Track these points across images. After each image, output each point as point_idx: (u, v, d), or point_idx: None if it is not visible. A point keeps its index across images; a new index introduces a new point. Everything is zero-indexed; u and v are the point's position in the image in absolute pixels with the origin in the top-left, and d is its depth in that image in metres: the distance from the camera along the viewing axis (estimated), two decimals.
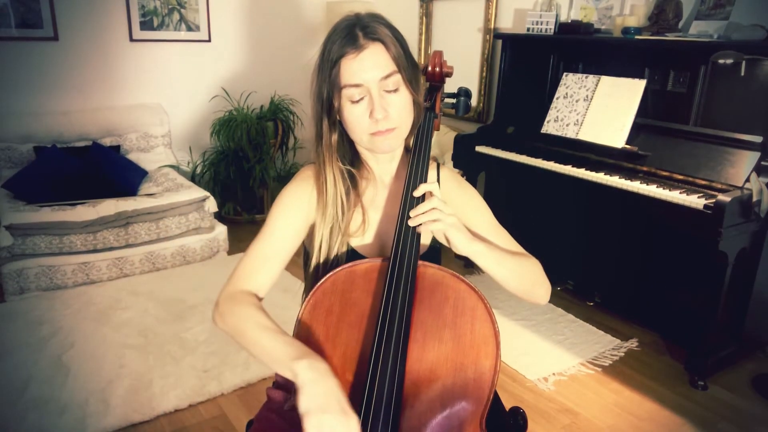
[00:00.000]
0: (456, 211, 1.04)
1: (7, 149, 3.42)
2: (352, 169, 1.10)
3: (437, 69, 1.12)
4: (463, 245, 0.97)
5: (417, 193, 0.98)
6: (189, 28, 4.11)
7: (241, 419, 2.11)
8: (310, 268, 1.11)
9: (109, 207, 3.12)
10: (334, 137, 1.07)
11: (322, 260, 1.08)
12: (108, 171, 3.45)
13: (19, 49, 3.52)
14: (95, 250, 3.13)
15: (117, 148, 3.71)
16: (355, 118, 1.01)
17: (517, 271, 1.07)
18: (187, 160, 4.27)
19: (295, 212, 1.08)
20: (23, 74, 3.58)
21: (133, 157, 3.78)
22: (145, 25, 3.92)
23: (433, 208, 0.96)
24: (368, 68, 0.98)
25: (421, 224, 0.97)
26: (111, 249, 3.17)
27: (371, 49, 0.98)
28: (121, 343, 2.54)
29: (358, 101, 1.00)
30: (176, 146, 4.21)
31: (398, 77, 1.00)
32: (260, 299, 1.03)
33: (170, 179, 3.66)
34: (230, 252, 3.61)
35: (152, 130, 3.94)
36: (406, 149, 1.16)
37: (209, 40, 4.21)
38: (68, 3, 3.61)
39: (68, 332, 2.62)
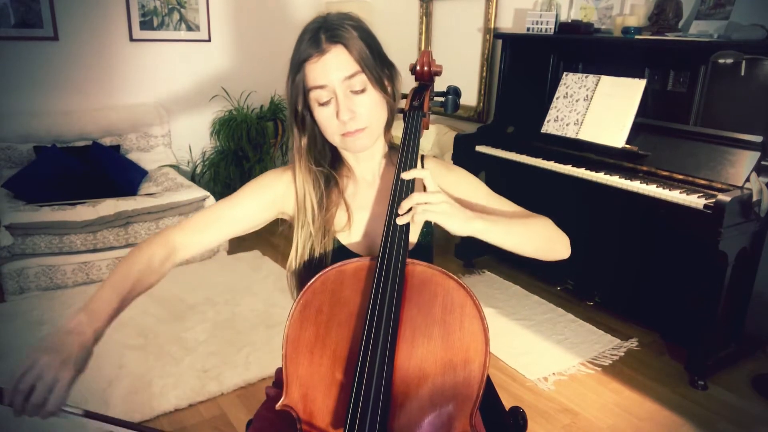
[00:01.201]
0: (450, 194, 1.04)
1: (7, 149, 3.42)
2: (331, 171, 1.11)
3: (425, 68, 1.13)
4: (460, 229, 0.94)
5: (407, 176, 0.97)
6: (189, 28, 4.11)
7: (241, 419, 2.11)
8: (288, 267, 1.13)
9: (109, 207, 3.13)
10: (304, 141, 1.09)
11: (299, 261, 1.10)
12: (108, 171, 3.46)
13: (19, 49, 3.52)
14: (95, 250, 3.13)
15: (117, 148, 3.71)
16: (325, 120, 1.03)
17: (527, 235, 1.05)
18: (187, 160, 4.27)
19: (266, 194, 1.12)
20: (23, 74, 3.58)
21: (133, 157, 3.78)
22: (145, 25, 3.93)
23: (418, 203, 0.94)
24: (331, 69, 0.99)
25: (410, 220, 0.96)
26: (111, 249, 3.17)
27: (333, 52, 0.99)
28: (121, 343, 2.54)
29: (325, 103, 1.01)
30: (176, 146, 4.21)
31: (363, 77, 1.00)
32: (179, 253, 1.08)
33: (170, 179, 3.66)
34: (230, 252, 3.61)
35: (152, 130, 3.94)
36: (391, 147, 1.16)
37: (209, 40, 4.22)
38: (68, 3, 3.61)
39: None
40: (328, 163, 1.12)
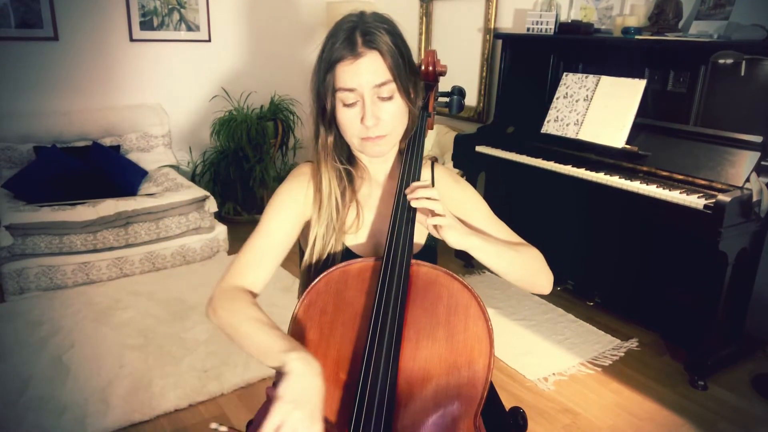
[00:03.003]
0: (452, 208, 1.05)
1: (7, 149, 3.42)
2: (350, 168, 1.11)
3: (431, 68, 1.13)
4: (456, 241, 0.96)
5: (413, 195, 0.98)
6: (189, 28, 4.11)
7: (241, 419, 2.11)
8: (303, 264, 1.12)
9: (109, 207, 3.12)
10: (330, 138, 1.08)
11: (315, 258, 1.09)
12: (108, 171, 3.45)
13: (19, 49, 3.52)
14: (95, 250, 3.13)
15: (117, 148, 3.71)
16: (347, 121, 1.02)
17: (517, 263, 1.06)
18: (187, 160, 4.27)
19: (290, 209, 1.10)
20: (23, 74, 3.57)
21: (133, 157, 3.78)
22: (145, 25, 3.92)
23: (429, 198, 0.95)
24: (363, 75, 0.98)
25: (419, 205, 0.97)
26: (111, 249, 3.17)
27: (368, 58, 0.98)
28: (121, 343, 2.54)
29: (351, 105, 1.01)
30: (176, 146, 4.21)
31: (393, 86, 1.00)
32: (255, 295, 1.03)
33: (170, 179, 3.66)
34: (230, 252, 3.61)
35: (152, 130, 3.94)
36: (400, 151, 1.17)
37: (209, 40, 4.21)
38: (68, 3, 3.61)
39: (68, 332, 2.62)
40: (346, 160, 1.12)
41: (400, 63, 1.00)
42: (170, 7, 4.00)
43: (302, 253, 1.16)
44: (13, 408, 2.09)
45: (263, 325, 0.91)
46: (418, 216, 0.99)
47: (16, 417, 2.04)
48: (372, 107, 0.99)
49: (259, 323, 0.92)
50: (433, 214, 0.96)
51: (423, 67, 1.14)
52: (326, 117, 1.05)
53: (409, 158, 1.03)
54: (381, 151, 1.05)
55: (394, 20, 1.06)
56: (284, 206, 1.10)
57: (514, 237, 1.14)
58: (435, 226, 0.96)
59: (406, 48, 1.04)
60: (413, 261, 0.97)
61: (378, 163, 1.14)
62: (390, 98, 1.00)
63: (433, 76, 1.14)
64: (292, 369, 0.81)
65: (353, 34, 0.99)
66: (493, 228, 1.12)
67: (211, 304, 0.99)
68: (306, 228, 1.12)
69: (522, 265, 1.07)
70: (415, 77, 1.06)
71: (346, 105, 1.01)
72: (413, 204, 0.96)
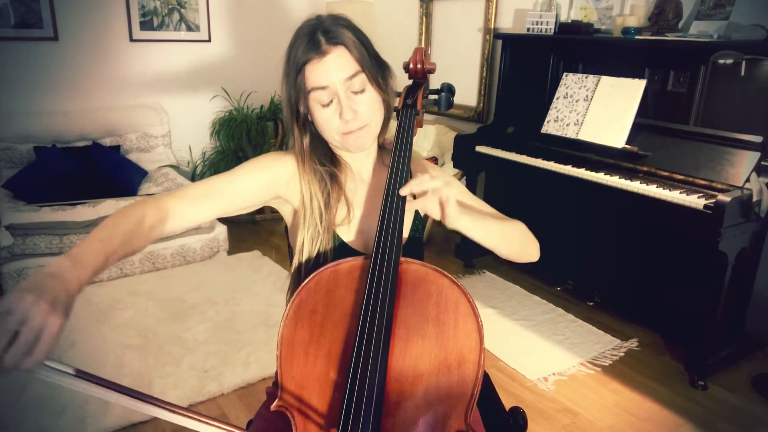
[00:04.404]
0: None
1: (7, 149, 3.42)
2: (333, 168, 1.12)
3: (419, 66, 1.13)
4: (452, 221, 0.97)
5: (404, 192, 0.98)
6: (189, 28, 4.11)
7: (241, 419, 2.11)
8: (293, 267, 1.12)
9: (109, 207, 3.13)
10: (306, 141, 1.09)
11: (304, 259, 1.09)
12: (108, 171, 3.46)
13: (18, 49, 3.52)
14: None
15: (117, 148, 3.71)
16: (325, 121, 1.03)
17: (506, 237, 1.11)
18: (187, 160, 4.27)
19: (264, 175, 1.10)
20: (23, 74, 3.58)
21: (133, 157, 3.78)
22: (145, 25, 3.93)
23: (435, 185, 0.96)
24: (332, 70, 1.00)
25: (417, 196, 0.97)
26: None
27: (334, 53, 1.00)
28: (121, 343, 2.54)
29: (327, 104, 1.02)
30: (176, 146, 4.21)
31: (363, 77, 1.02)
32: (170, 222, 1.01)
33: (170, 179, 3.66)
34: (230, 252, 3.60)
35: (152, 130, 3.94)
36: (380, 146, 1.18)
37: (209, 40, 4.22)
38: (68, 3, 3.61)
39: (68, 332, 2.62)
40: (328, 160, 1.12)
41: (365, 54, 1.03)
42: (170, 7, 4.00)
43: (290, 253, 1.17)
44: (13, 408, 2.09)
45: (102, 235, 0.86)
46: (425, 199, 0.97)
47: (16, 417, 2.04)
48: (347, 101, 1.01)
49: (104, 233, 0.86)
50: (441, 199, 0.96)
51: (411, 65, 1.14)
52: (300, 120, 1.07)
53: (398, 156, 1.03)
54: (363, 143, 1.06)
55: (353, 19, 1.07)
56: (260, 168, 1.10)
57: (496, 213, 1.17)
58: (441, 210, 0.96)
59: (368, 41, 1.06)
60: (402, 258, 0.97)
61: (360, 159, 1.14)
62: (362, 91, 1.02)
63: (422, 73, 1.14)
64: (40, 269, 0.75)
65: (315, 35, 1.01)
66: (475, 207, 1.15)
67: (142, 198, 1.01)
68: (294, 230, 1.13)
69: (510, 239, 1.12)
70: (383, 69, 1.07)
71: (322, 106, 1.02)
72: (402, 192, 0.95)
